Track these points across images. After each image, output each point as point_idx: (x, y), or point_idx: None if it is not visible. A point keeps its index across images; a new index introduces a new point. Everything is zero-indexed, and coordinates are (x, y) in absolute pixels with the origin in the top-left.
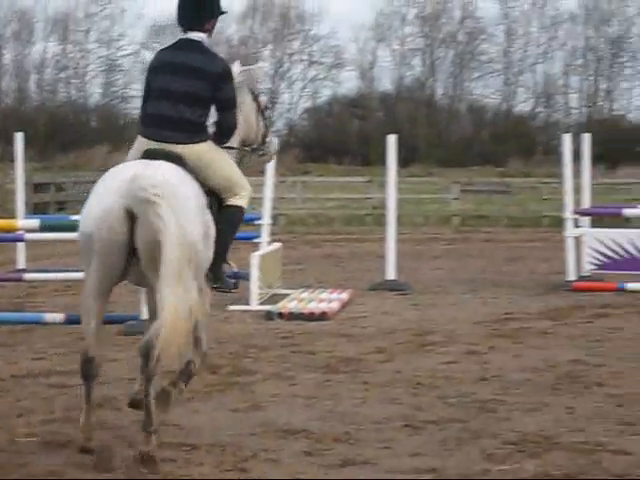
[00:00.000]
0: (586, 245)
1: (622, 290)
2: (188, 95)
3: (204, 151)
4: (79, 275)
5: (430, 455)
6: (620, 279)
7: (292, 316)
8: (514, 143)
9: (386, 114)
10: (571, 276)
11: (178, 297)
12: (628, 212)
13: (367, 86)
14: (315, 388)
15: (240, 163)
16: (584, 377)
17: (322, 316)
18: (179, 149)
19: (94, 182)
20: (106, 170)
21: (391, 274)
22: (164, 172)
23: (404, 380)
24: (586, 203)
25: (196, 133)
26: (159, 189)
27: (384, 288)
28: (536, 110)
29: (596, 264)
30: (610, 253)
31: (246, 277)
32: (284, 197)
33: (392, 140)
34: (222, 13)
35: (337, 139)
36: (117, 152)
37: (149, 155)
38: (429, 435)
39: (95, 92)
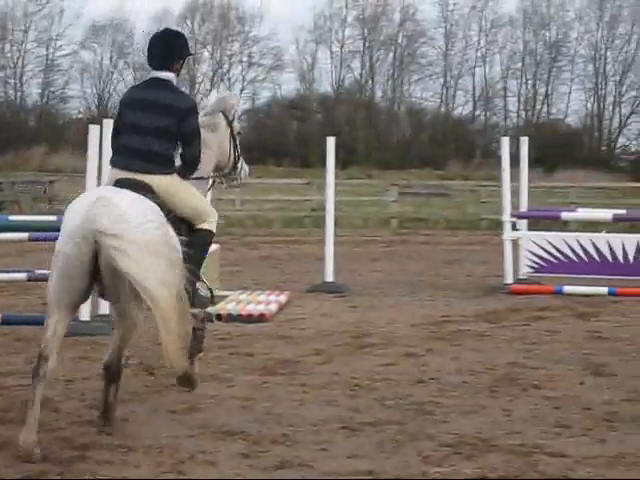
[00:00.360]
0: (524, 248)
1: (559, 293)
2: (158, 130)
3: (169, 183)
4: (16, 276)
5: (367, 457)
6: (557, 282)
7: (230, 318)
8: (453, 146)
9: (325, 116)
10: (509, 279)
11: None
12: (566, 215)
13: (306, 88)
14: (253, 390)
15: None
16: (521, 379)
17: (260, 318)
18: (148, 179)
19: (32, 182)
20: (44, 171)
21: (329, 276)
22: (129, 202)
23: (342, 382)
24: (524, 206)
25: (164, 165)
26: (120, 225)
27: (322, 290)
28: (475, 113)
29: (533, 267)
30: (547, 256)
31: None
32: (222, 198)
33: (331, 142)
34: (190, 55)
35: (276, 141)
36: (55, 153)
37: (121, 184)
38: (366, 437)
39: (33, 92)
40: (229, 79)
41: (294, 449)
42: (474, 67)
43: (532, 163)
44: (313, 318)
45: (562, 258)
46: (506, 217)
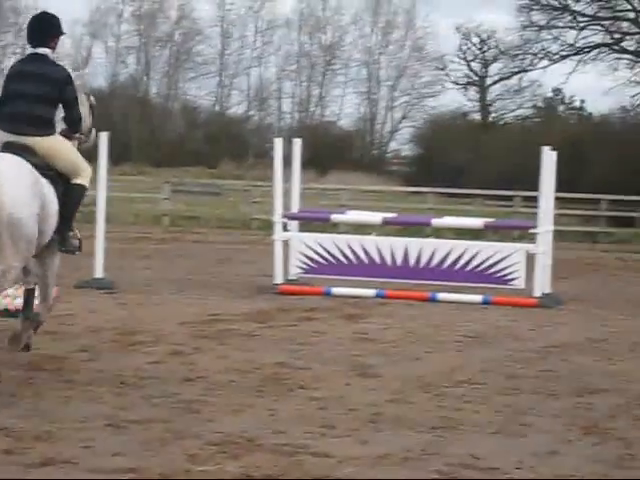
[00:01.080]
0: (294, 249)
1: (328, 294)
2: (39, 97)
3: (52, 142)
4: None
5: (132, 455)
6: (327, 283)
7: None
8: (227, 145)
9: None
10: (278, 279)
11: None
12: (336, 217)
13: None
14: (17, 386)
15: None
16: (287, 380)
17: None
18: (30, 141)
19: None
20: None
21: (99, 272)
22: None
23: (108, 379)
24: (295, 207)
25: (46, 128)
26: None
27: (91, 286)
28: (249, 113)
29: (303, 268)
30: (317, 257)
31: None
32: None
33: (104, 138)
34: (62, 33)
35: None
36: None
37: (6, 146)
38: (132, 435)
39: None
40: (3, 70)
41: (57, 446)
42: (249, 67)
43: (305, 164)
44: (81, 314)
45: (332, 260)
46: (277, 218)
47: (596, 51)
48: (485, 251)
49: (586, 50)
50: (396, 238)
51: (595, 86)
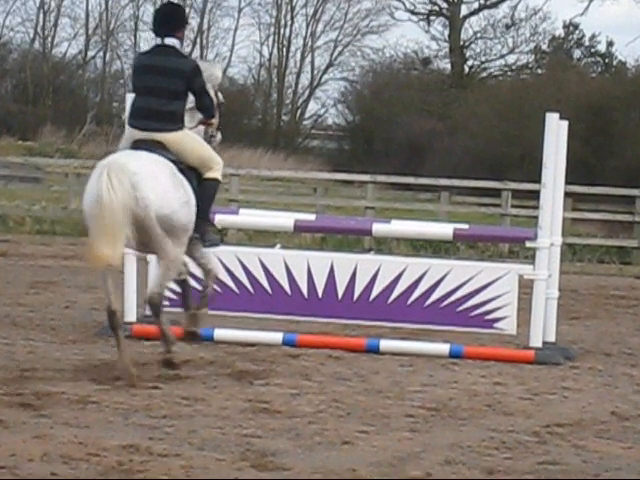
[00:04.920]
0: (155, 269)
1: (208, 339)
2: (169, 91)
3: (181, 137)
4: None
5: None
6: (206, 322)
7: None
8: (52, 104)
9: None
10: (130, 316)
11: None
12: (222, 219)
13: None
14: None
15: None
16: (141, 474)
17: None
18: (161, 137)
19: None
20: None
21: None
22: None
23: None
24: None
25: (175, 123)
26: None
27: None
28: (88, 54)
29: (169, 299)
30: (191, 282)
31: None
32: None
33: None
34: (187, 24)
35: None
36: None
37: (139, 143)
38: None
39: None
40: None
41: None
42: None
43: None
44: None
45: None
46: None
47: None
48: (456, 274)
49: None
50: (316, 253)
51: (628, 22)
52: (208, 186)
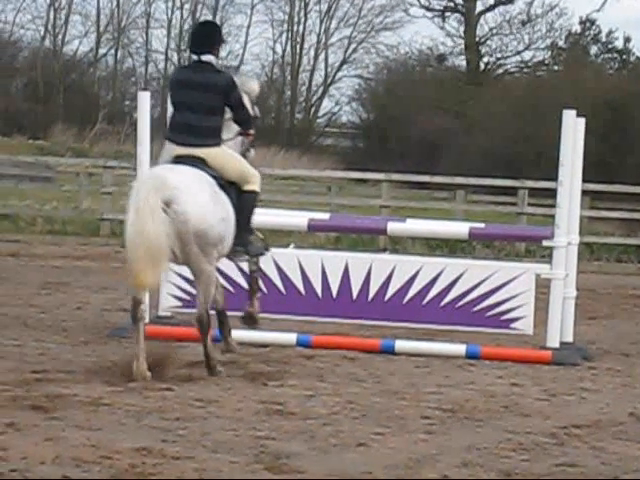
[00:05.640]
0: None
1: (220, 341)
2: (207, 107)
3: (219, 153)
4: None
5: None
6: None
7: None
8: (63, 102)
9: None
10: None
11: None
12: None
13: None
14: None
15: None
16: (154, 477)
17: None
18: (200, 152)
19: None
20: None
21: None
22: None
23: None
24: None
25: (214, 138)
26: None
27: None
28: (99, 52)
29: (181, 299)
30: None
31: None
32: None
33: None
34: (224, 41)
35: None
36: None
37: (178, 159)
38: None
39: None
40: None
41: None
42: None
43: None
44: None
45: (227, 287)
46: None
47: None
48: (472, 274)
49: None
50: (331, 252)
51: None
52: (247, 198)
